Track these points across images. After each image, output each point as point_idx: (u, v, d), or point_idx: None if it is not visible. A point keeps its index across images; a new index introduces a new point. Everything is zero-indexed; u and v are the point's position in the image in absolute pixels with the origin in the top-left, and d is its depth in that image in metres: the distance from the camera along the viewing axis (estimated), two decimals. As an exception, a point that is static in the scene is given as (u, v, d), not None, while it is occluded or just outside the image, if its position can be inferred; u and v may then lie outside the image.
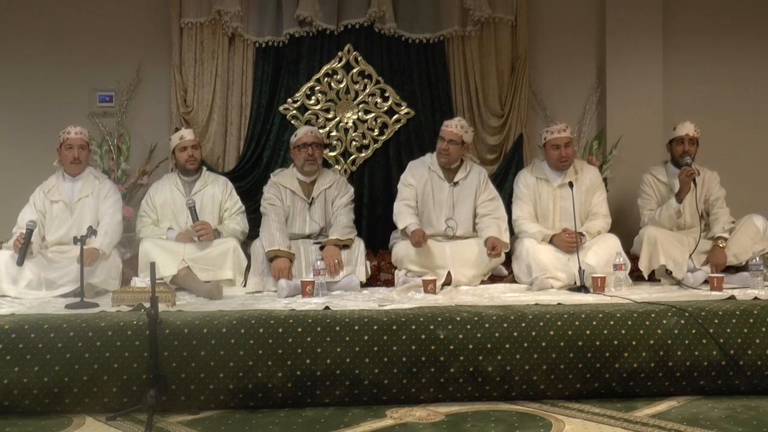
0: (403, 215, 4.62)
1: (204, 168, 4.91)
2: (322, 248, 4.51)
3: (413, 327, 3.24)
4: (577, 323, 3.28)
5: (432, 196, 4.73)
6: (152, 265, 3.09)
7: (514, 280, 4.57)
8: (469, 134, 4.76)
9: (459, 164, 4.78)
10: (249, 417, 3.07)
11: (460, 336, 3.23)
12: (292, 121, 5.36)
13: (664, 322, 3.31)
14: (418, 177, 4.75)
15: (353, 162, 5.40)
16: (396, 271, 4.57)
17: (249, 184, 5.27)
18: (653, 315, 3.34)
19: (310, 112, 5.38)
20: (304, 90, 5.38)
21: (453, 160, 4.71)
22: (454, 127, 4.68)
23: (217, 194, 4.78)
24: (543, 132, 4.82)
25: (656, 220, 4.66)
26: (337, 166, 5.33)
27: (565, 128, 4.72)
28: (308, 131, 4.78)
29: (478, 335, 3.23)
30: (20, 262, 4.17)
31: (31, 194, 4.57)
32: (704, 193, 4.74)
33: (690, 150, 4.72)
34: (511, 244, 4.68)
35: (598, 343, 3.25)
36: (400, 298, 4.02)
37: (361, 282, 4.45)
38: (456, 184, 4.74)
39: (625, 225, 5.12)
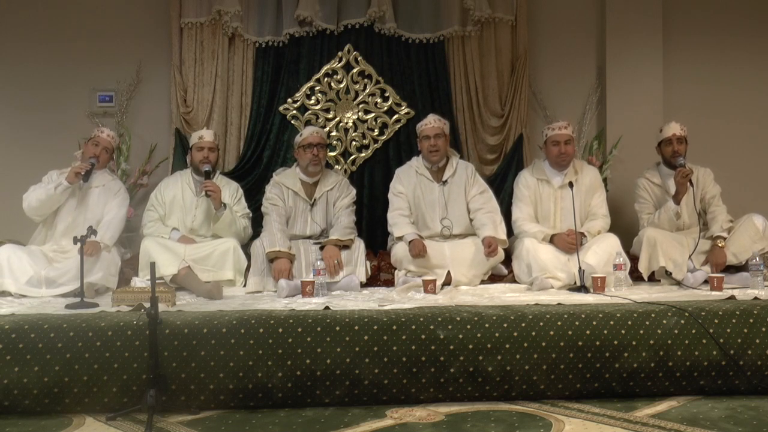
0: (399, 225, 4.63)
1: (218, 171, 4.91)
2: (322, 248, 4.51)
3: (413, 327, 3.24)
4: (577, 323, 3.28)
5: (423, 199, 4.73)
6: (152, 265, 3.09)
7: (514, 280, 4.57)
8: (447, 125, 4.83)
9: (445, 162, 4.79)
10: (249, 417, 3.07)
11: (460, 336, 3.23)
12: (292, 121, 5.36)
13: (664, 322, 3.31)
14: (406, 183, 4.76)
15: (353, 162, 5.40)
16: (396, 271, 4.57)
17: (249, 184, 5.28)
18: (653, 315, 3.34)
19: (310, 112, 5.38)
20: (304, 90, 5.38)
21: (443, 154, 4.74)
22: (434, 122, 4.74)
23: (226, 198, 4.75)
24: (544, 129, 4.84)
25: (656, 224, 4.66)
26: (337, 166, 5.33)
27: (566, 126, 4.73)
28: (314, 131, 4.77)
29: (478, 335, 3.23)
30: (86, 179, 4.45)
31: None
32: (700, 192, 4.73)
33: (679, 149, 4.72)
34: (511, 243, 4.69)
35: (598, 343, 3.25)
36: (400, 298, 4.02)
37: (361, 282, 4.45)
38: (445, 183, 4.74)
39: (624, 225, 5.12)
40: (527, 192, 4.76)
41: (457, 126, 5.40)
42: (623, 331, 3.27)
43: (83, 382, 3.10)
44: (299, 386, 3.15)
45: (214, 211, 4.58)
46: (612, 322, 3.29)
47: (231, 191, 4.83)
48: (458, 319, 3.28)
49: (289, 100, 5.38)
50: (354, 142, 5.40)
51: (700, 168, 4.79)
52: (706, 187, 4.77)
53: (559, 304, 3.55)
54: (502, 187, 5.27)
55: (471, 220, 4.72)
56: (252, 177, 5.32)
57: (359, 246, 4.58)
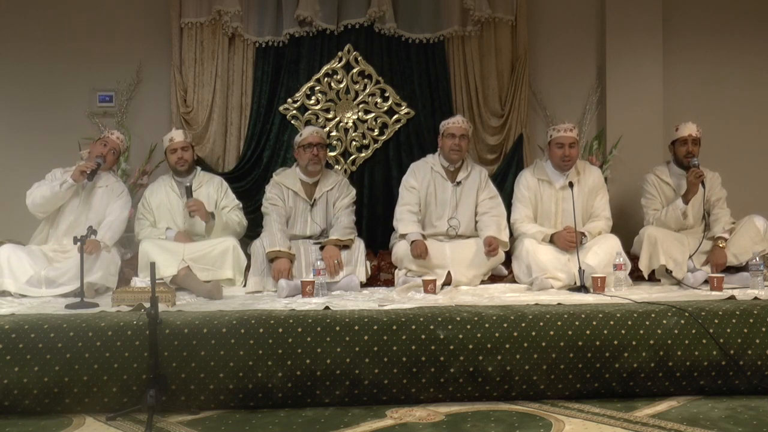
0: (404, 222, 4.64)
1: (198, 168, 4.91)
2: (322, 248, 4.52)
3: (413, 327, 3.24)
4: (577, 323, 3.28)
5: (435, 196, 4.74)
6: (152, 265, 3.09)
7: (514, 280, 4.57)
8: (471, 129, 4.92)
9: (461, 164, 4.80)
10: (249, 417, 3.07)
11: (460, 336, 3.23)
12: (292, 121, 5.36)
13: (664, 322, 3.31)
14: (420, 179, 4.76)
15: (353, 162, 5.40)
16: (396, 271, 4.58)
17: (249, 184, 5.28)
18: (653, 315, 3.34)
19: (310, 112, 5.38)
20: (304, 90, 5.38)
21: (463, 155, 4.77)
22: (461, 122, 4.77)
23: (212, 194, 4.78)
24: (549, 129, 4.82)
25: (662, 221, 4.66)
26: (337, 166, 5.33)
27: (572, 128, 4.71)
28: (313, 131, 4.78)
29: (478, 335, 3.23)
30: (91, 178, 4.45)
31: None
32: (707, 194, 4.73)
33: (693, 150, 4.71)
34: (511, 244, 4.68)
35: (598, 343, 3.25)
36: (400, 298, 4.02)
37: (361, 282, 4.45)
38: (458, 183, 4.75)
39: (625, 225, 5.11)
40: (527, 193, 4.75)
41: (457, 126, 5.41)
42: (623, 331, 3.27)
43: (83, 382, 3.10)
44: (299, 386, 3.15)
45: (205, 223, 4.58)
46: (612, 322, 3.29)
47: (215, 186, 4.83)
48: (458, 319, 3.28)
49: (289, 100, 5.38)
50: (354, 142, 5.40)
51: (709, 171, 4.78)
52: (712, 189, 4.76)
53: (559, 304, 3.55)
54: (502, 187, 5.26)
55: (476, 223, 4.72)
56: (252, 177, 5.32)
57: (359, 246, 4.58)
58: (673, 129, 4.89)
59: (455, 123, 4.75)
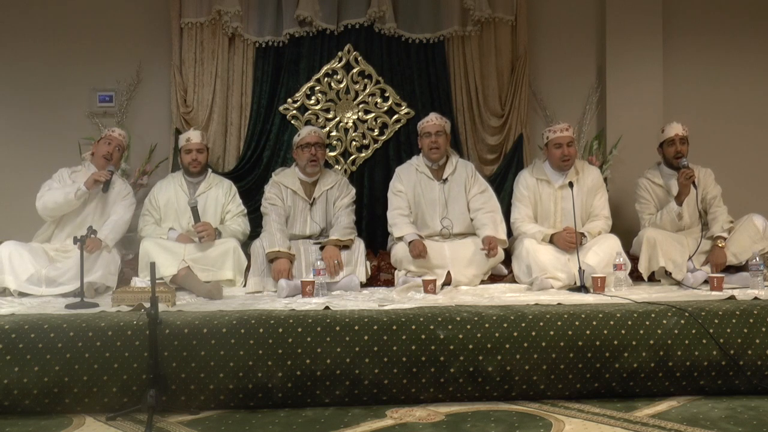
0: (399, 225, 4.63)
1: (210, 170, 4.91)
2: (322, 248, 4.51)
3: (413, 327, 3.24)
4: (577, 323, 3.28)
5: (423, 197, 4.73)
6: (152, 265, 3.09)
7: (514, 280, 4.57)
8: (448, 124, 4.85)
9: (445, 161, 4.79)
10: (249, 417, 3.07)
11: (460, 336, 3.23)
12: (292, 121, 5.36)
13: (664, 322, 3.31)
14: (406, 181, 4.76)
15: (353, 162, 5.40)
16: (396, 272, 4.57)
17: (249, 184, 5.28)
18: (653, 315, 3.34)
19: (310, 112, 5.38)
20: (304, 90, 5.38)
21: (443, 152, 4.75)
22: (435, 119, 4.76)
23: (220, 197, 4.78)
24: (545, 131, 4.82)
25: (658, 225, 4.65)
26: (337, 166, 5.33)
27: (567, 127, 4.72)
28: (312, 131, 4.78)
29: (478, 335, 3.23)
30: (105, 189, 4.48)
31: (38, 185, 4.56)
32: (701, 192, 4.73)
33: (682, 150, 4.71)
34: (510, 244, 4.68)
35: (598, 343, 3.25)
36: (400, 298, 4.02)
37: (361, 282, 4.45)
38: (445, 181, 4.75)
39: (624, 225, 5.12)
40: (527, 192, 4.75)
41: (457, 126, 5.40)
42: (623, 331, 3.27)
43: (83, 382, 3.10)
44: (299, 386, 3.15)
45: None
46: (612, 322, 3.29)
47: (224, 190, 4.83)
48: (458, 319, 3.28)
49: (289, 100, 5.38)
50: (354, 142, 5.40)
51: (701, 168, 4.78)
52: (707, 187, 4.76)
53: (559, 304, 3.55)
54: (502, 187, 5.27)
55: (471, 220, 4.72)
56: (252, 177, 5.32)
57: (359, 246, 4.58)
58: (660, 131, 4.87)
59: (429, 121, 4.75)
